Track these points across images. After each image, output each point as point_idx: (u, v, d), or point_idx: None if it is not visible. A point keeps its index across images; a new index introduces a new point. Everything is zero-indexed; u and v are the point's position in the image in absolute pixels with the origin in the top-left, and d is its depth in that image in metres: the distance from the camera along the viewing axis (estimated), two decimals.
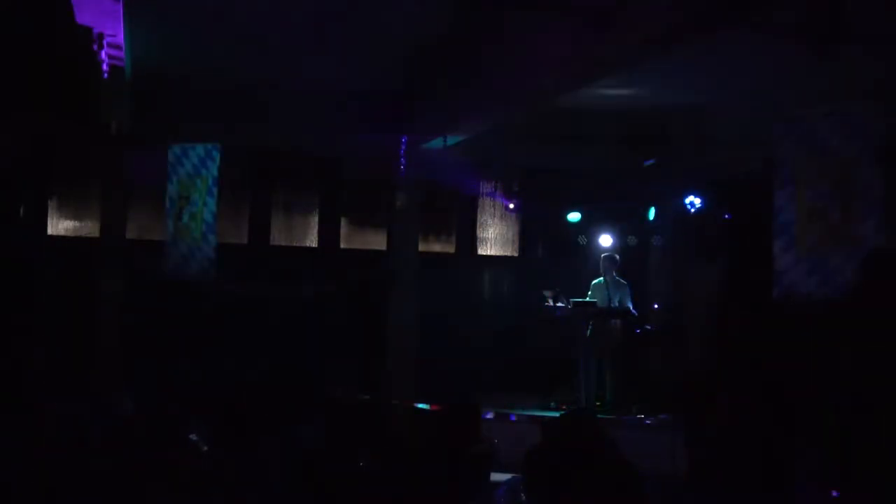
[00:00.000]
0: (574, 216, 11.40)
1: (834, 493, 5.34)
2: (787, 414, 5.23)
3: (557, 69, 7.52)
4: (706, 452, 5.54)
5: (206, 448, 5.42)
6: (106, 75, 8.12)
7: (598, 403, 10.23)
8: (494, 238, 12.43)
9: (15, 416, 5.74)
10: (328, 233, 11.80)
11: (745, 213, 10.05)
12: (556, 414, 6.42)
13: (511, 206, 12.07)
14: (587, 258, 11.49)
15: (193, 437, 5.62)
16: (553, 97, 8.33)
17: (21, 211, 10.66)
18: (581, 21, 6.80)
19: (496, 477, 5.85)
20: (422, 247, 11.76)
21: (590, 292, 10.79)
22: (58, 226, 11.00)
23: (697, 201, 10.81)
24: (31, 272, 10.41)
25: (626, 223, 11.59)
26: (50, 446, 5.36)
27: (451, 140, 10.15)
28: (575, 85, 7.79)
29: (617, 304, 10.60)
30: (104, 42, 7.24)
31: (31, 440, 5.10)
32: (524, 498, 4.96)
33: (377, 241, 11.98)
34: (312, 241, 11.84)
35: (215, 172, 10.39)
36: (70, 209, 11.12)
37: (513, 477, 5.26)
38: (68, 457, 5.41)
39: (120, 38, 7.27)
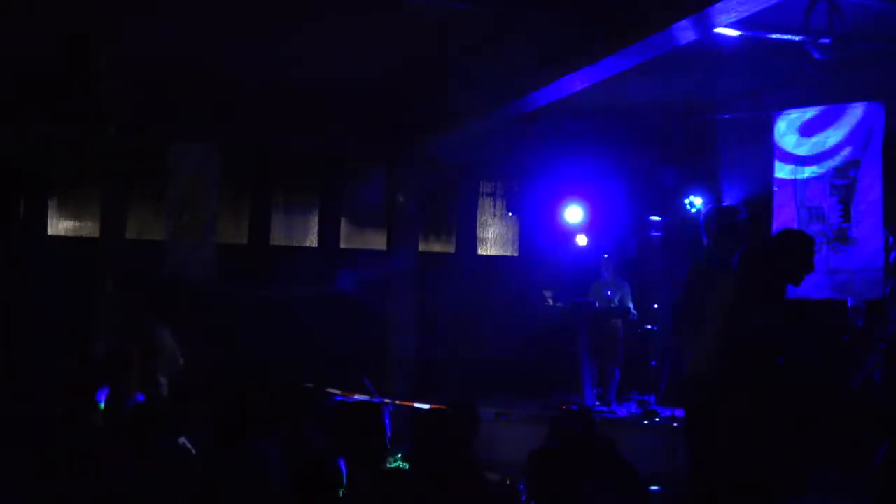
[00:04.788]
0: (574, 216, 11.39)
1: None
2: (799, 419, 5.20)
3: (557, 67, 7.51)
4: (711, 458, 5.51)
5: (194, 451, 5.41)
6: (106, 74, 8.14)
7: (598, 403, 10.23)
8: (494, 238, 12.43)
9: (18, 415, 5.73)
10: (328, 233, 11.80)
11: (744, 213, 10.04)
12: (557, 414, 6.42)
13: (511, 206, 12.06)
14: (587, 258, 11.49)
15: (182, 440, 5.61)
16: (552, 96, 8.32)
17: (21, 211, 10.66)
18: (582, 16, 6.81)
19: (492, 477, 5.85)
20: (422, 247, 11.76)
21: (590, 292, 10.80)
22: (58, 226, 10.99)
23: (697, 201, 10.81)
24: (30, 272, 10.41)
25: (626, 223, 11.58)
26: (50, 447, 5.37)
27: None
28: (573, 83, 7.77)
29: (617, 303, 10.61)
30: (104, 41, 7.25)
31: (35, 440, 5.10)
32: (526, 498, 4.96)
33: (377, 241, 11.97)
34: (312, 241, 11.84)
35: (215, 172, 10.38)
36: (70, 209, 11.11)
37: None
38: (69, 456, 5.41)
39: (120, 38, 7.28)
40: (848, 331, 8.21)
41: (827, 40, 6.21)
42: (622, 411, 10.22)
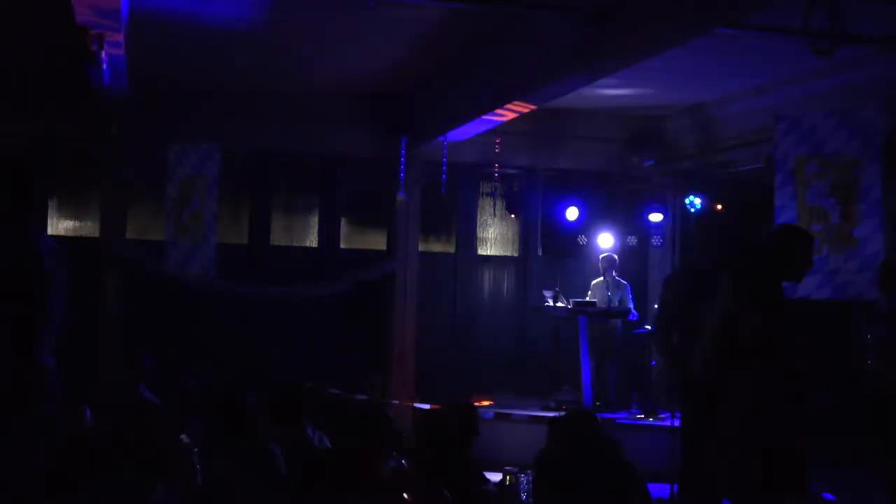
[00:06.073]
0: (574, 216, 11.39)
1: None
2: (796, 418, 5.19)
3: (557, 68, 7.51)
4: (710, 458, 5.50)
5: (196, 449, 5.40)
6: (106, 76, 8.13)
7: (598, 403, 10.22)
8: (494, 238, 12.42)
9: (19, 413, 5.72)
10: (328, 233, 11.80)
11: (745, 214, 10.04)
12: (557, 414, 6.43)
13: (511, 206, 12.06)
14: (587, 258, 11.49)
15: (184, 437, 5.60)
16: (552, 97, 8.31)
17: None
18: (582, 17, 6.80)
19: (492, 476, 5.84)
20: (422, 247, 11.75)
21: (590, 292, 10.80)
22: (58, 226, 10.99)
23: (697, 201, 10.79)
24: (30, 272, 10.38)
25: (626, 223, 11.58)
26: (49, 445, 5.35)
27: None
28: (574, 83, 7.76)
29: (617, 303, 10.61)
30: (104, 42, 7.24)
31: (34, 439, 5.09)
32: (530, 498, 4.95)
33: (377, 241, 11.97)
34: (312, 241, 11.84)
35: (215, 172, 10.37)
36: (70, 209, 11.11)
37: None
38: (65, 455, 5.40)
39: (120, 38, 7.26)
40: (847, 331, 8.21)
41: (827, 41, 6.20)
42: (622, 411, 10.22)
